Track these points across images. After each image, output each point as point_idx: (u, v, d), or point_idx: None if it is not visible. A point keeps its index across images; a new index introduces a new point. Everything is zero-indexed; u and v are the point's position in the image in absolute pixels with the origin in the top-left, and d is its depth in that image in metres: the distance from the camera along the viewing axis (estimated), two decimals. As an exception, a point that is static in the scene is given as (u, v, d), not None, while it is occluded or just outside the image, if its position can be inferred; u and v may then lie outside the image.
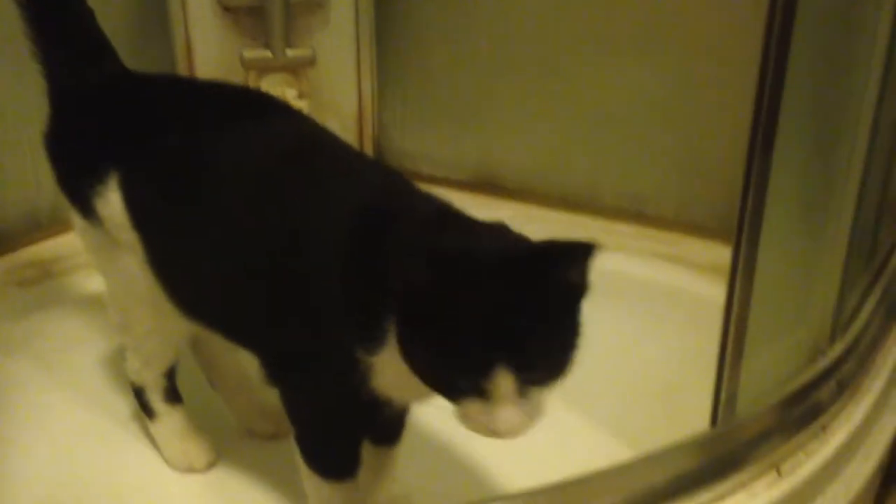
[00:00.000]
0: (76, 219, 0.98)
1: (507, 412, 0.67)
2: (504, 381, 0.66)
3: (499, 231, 0.75)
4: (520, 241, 0.73)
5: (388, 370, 0.76)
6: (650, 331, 1.34)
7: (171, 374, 1.05)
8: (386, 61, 1.76)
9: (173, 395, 1.05)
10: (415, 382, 0.72)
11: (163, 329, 1.00)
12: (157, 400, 1.05)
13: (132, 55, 1.61)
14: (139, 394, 1.05)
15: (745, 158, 0.89)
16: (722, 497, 0.90)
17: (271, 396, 0.96)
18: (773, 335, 1.05)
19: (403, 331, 0.71)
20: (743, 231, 0.92)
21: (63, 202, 1.23)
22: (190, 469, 1.06)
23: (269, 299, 0.83)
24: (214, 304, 0.91)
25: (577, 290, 0.71)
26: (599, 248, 0.69)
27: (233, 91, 1.03)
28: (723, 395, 0.95)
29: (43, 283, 1.47)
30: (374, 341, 0.75)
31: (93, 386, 1.22)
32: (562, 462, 1.01)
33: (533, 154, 1.69)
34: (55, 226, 1.55)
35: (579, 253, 0.69)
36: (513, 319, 0.66)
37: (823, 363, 1.04)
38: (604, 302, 1.51)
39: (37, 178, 1.51)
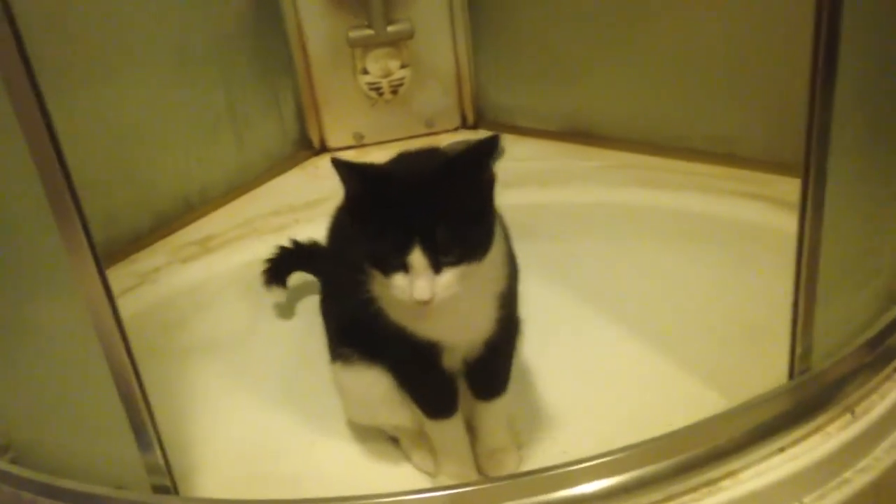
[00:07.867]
0: None
1: (421, 281, 0.83)
2: (418, 259, 0.83)
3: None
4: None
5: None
6: (740, 272, 1.38)
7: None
8: (479, 25, 1.84)
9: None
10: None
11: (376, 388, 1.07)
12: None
13: (252, 47, 1.78)
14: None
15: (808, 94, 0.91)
16: (798, 441, 1.01)
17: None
18: (846, 285, 1.09)
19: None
20: (809, 172, 0.95)
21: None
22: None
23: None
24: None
25: (482, 183, 0.86)
26: (500, 141, 0.84)
27: None
28: (798, 348, 1.02)
29: (202, 258, 1.64)
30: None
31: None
32: (657, 411, 1.12)
33: (623, 102, 1.74)
34: (204, 207, 1.76)
35: (482, 151, 0.84)
36: (423, 214, 0.83)
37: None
38: (694, 244, 1.61)
39: (188, 168, 1.72)
